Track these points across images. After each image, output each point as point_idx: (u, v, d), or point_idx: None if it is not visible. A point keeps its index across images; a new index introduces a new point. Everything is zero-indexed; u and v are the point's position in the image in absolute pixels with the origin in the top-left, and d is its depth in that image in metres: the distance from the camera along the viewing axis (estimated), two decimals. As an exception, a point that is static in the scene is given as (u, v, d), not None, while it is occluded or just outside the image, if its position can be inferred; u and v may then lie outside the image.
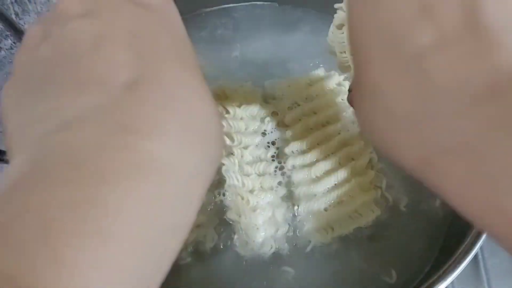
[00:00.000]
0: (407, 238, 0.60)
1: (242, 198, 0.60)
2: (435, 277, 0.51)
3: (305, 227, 0.59)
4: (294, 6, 0.75)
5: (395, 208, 0.60)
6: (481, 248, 0.63)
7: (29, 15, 1.00)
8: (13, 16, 0.98)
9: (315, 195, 0.60)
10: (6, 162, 0.54)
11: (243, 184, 0.60)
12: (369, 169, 0.62)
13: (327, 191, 0.60)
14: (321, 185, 0.60)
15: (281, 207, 0.60)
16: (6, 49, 1.04)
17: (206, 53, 0.71)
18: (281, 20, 0.75)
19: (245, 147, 0.62)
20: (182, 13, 0.33)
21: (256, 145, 0.63)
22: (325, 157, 0.62)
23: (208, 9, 0.74)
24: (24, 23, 1.00)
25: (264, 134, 0.64)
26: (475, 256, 0.60)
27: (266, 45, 0.73)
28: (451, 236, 0.59)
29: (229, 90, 0.65)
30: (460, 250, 0.51)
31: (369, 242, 0.59)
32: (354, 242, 0.59)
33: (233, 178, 0.60)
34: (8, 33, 0.74)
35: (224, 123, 0.63)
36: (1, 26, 0.58)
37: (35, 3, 0.98)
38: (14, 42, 1.02)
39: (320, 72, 0.68)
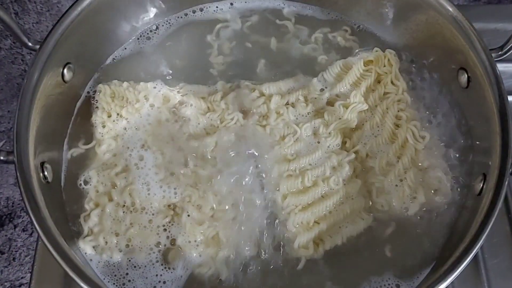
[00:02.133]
0: (407, 239, 0.60)
1: (187, 213, 0.59)
2: (435, 277, 0.51)
3: (295, 242, 0.58)
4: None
5: (393, 212, 0.60)
6: (481, 248, 0.63)
7: (29, 15, 1.00)
8: (13, 15, 0.98)
9: (304, 207, 0.59)
10: (10, 162, 0.54)
11: (190, 196, 0.60)
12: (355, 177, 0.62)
13: (315, 202, 0.60)
14: (310, 195, 0.60)
15: (228, 228, 0.58)
16: (6, 49, 1.04)
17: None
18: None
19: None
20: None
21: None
22: (313, 167, 0.62)
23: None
24: (24, 23, 1.00)
25: None
26: (475, 256, 0.60)
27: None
28: (451, 236, 0.59)
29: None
30: (460, 250, 0.51)
31: (368, 245, 0.59)
32: (349, 248, 0.59)
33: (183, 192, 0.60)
34: (8, 33, 0.74)
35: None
36: (1, 27, 0.58)
37: (34, 2, 0.98)
38: (14, 42, 1.02)
39: (300, 77, 0.68)
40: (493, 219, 0.52)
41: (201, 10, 0.74)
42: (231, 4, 0.74)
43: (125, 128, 0.63)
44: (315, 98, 0.66)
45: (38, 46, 0.58)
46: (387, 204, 0.60)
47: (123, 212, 0.59)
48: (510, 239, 0.66)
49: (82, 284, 0.49)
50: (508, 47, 0.59)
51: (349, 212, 0.59)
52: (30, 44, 0.59)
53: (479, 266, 0.65)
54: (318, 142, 0.63)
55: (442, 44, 0.64)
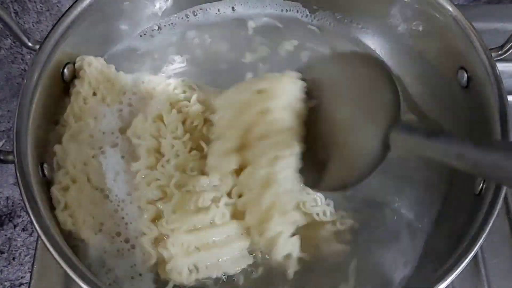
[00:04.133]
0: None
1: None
2: (436, 277, 0.51)
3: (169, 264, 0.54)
4: None
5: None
6: (481, 248, 0.63)
7: (29, 14, 1.00)
8: (13, 15, 0.98)
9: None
10: (9, 162, 0.54)
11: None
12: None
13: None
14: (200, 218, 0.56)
15: None
16: (6, 49, 1.04)
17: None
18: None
19: None
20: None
21: None
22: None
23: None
24: (24, 22, 1.00)
25: None
26: (475, 256, 0.60)
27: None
28: (451, 236, 0.59)
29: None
30: (460, 250, 0.51)
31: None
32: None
33: None
34: (8, 33, 0.74)
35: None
36: (1, 26, 0.58)
37: (34, 2, 0.98)
38: (14, 42, 1.02)
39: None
40: (493, 219, 0.52)
41: (202, 9, 0.73)
42: (233, 8, 0.74)
43: (104, 114, 0.62)
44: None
45: (38, 46, 0.58)
46: None
47: (97, 197, 0.58)
48: (510, 239, 0.66)
49: (82, 284, 0.49)
50: (508, 47, 0.59)
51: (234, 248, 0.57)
52: (30, 44, 0.59)
53: (479, 266, 0.65)
54: None
55: (442, 44, 0.64)
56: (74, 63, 0.63)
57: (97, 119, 0.62)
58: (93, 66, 0.63)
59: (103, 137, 0.61)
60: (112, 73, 0.64)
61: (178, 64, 0.70)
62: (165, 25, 0.72)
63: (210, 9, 0.74)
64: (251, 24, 0.73)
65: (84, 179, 0.58)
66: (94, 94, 0.62)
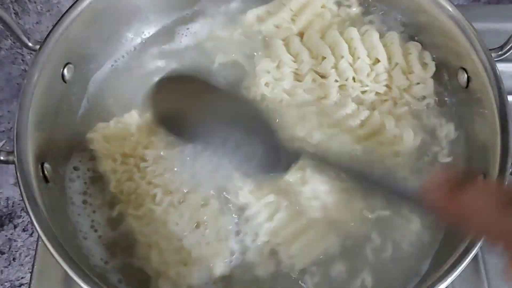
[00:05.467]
0: (407, 239, 0.60)
1: None
2: (435, 277, 0.51)
3: None
4: None
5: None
6: (481, 248, 0.63)
7: (29, 15, 1.00)
8: (13, 16, 0.98)
9: None
10: (10, 162, 0.54)
11: None
12: None
13: None
14: None
15: None
16: (6, 49, 1.04)
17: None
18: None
19: None
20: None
21: None
22: None
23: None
24: (24, 23, 1.00)
25: None
26: (475, 256, 0.59)
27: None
28: (450, 236, 0.59)
29: None
30: (460, 250, 0.51)
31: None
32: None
33: None
34: (8, 33, 0.74)
35: None
36: (1, 27, 0.58)
37: (35, 2, 0.98)
38: (14, 42, 1.02)
39: None
40: (493, 219, 0.51)
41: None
42: None
43: (135, 164, 0.60)
44: None
45: (38, 46, 0.58)
46: None
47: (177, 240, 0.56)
48: (510, 239, 0.66)
49: (82, 284, 0.49)
50: (508, 47, 0.59)
51: None
52: (30, 44, 0.59)
53: (479, 266, 0.65)
54: None
55: (442, 44, 0.64)
56: (74, 63, 0.63)
57: (133, 173, 0.59)
58: (95, 140, 0.60)
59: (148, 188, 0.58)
60: (110, 129, 0.61)
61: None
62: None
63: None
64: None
65: (153, 239, 0.56)
66: (116, 160, 0.60)
